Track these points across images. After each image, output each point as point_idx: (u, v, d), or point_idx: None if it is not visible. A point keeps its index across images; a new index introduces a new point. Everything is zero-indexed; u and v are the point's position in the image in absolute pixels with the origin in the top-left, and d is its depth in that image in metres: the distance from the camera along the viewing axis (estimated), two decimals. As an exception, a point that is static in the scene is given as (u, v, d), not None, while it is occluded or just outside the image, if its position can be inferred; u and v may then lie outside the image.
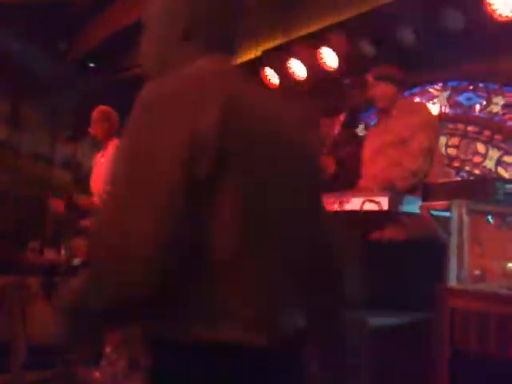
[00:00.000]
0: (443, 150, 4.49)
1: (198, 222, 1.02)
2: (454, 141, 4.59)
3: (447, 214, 2.52)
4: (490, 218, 2.82)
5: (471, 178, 4.39)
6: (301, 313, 1.16)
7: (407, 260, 3.11)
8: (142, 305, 1.02)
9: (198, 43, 1.21)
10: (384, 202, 2.70)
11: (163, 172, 1.00)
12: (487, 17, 3.83)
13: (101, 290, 1.01)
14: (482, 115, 4.48)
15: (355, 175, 3.56)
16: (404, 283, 3.07)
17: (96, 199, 4.14)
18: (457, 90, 4.65)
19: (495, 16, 3.81)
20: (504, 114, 4.34)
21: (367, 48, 4.62)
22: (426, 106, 4.01)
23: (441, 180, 3.11)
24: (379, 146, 3.39)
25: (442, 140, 4.46)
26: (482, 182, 2.95)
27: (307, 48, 5.11)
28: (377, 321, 2.79)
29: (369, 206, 2.75)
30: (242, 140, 1.07)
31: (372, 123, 4.59)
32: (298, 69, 5.26)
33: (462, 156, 4.55)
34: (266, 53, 5.53)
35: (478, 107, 4.50)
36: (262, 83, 5.23)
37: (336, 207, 2.89)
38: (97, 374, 2.49)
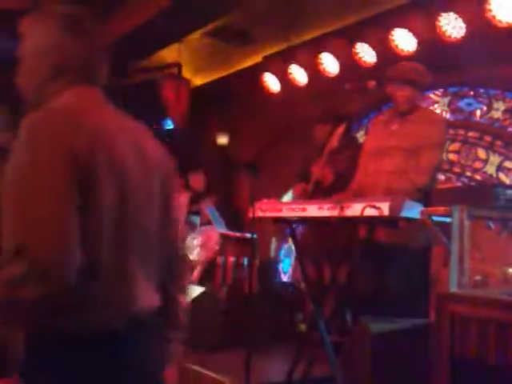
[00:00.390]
0: (444, 155, 4.49)
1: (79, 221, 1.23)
2: (455, 146, 4.59)
3: (448, 219, 2.52)
4: (490, 223, 2.82)
5: (472, 184, 4.38)
6: (158, 294, 1.45)
7: (407, 265, 3.11)
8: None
9: (67, 76, 1.39)
10: (385, 208, 2.69)
11: (49, 178, 1.21)
12: (487, 23, 3.84)
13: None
14: (482, 121, 4.48)
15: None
16: (405, 288, 3.07)
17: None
18: (457, 96, 4.66)
19: (495, 22, 3.82)
20: (505, 120, 4.34)
21: (367, 54, 4.63)
22: (444, 119, 3.96)
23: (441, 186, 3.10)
24: (388, 146, 3.33)
25: (443, 145, 4.46)
26: (483, 187, 2.94)
27: (308, 54, 5.13)
28: (377, 326, 2.79)
29: (370, 212, 2.74)
30: (104, 156, 1.30)
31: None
32: (298, 74, 5.27)
33: (463, 161, 4.54)
34: (266, 58, 5.55)
35: (478, 113, 4.50)
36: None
37: (336, 213, 2.88)
38: None
